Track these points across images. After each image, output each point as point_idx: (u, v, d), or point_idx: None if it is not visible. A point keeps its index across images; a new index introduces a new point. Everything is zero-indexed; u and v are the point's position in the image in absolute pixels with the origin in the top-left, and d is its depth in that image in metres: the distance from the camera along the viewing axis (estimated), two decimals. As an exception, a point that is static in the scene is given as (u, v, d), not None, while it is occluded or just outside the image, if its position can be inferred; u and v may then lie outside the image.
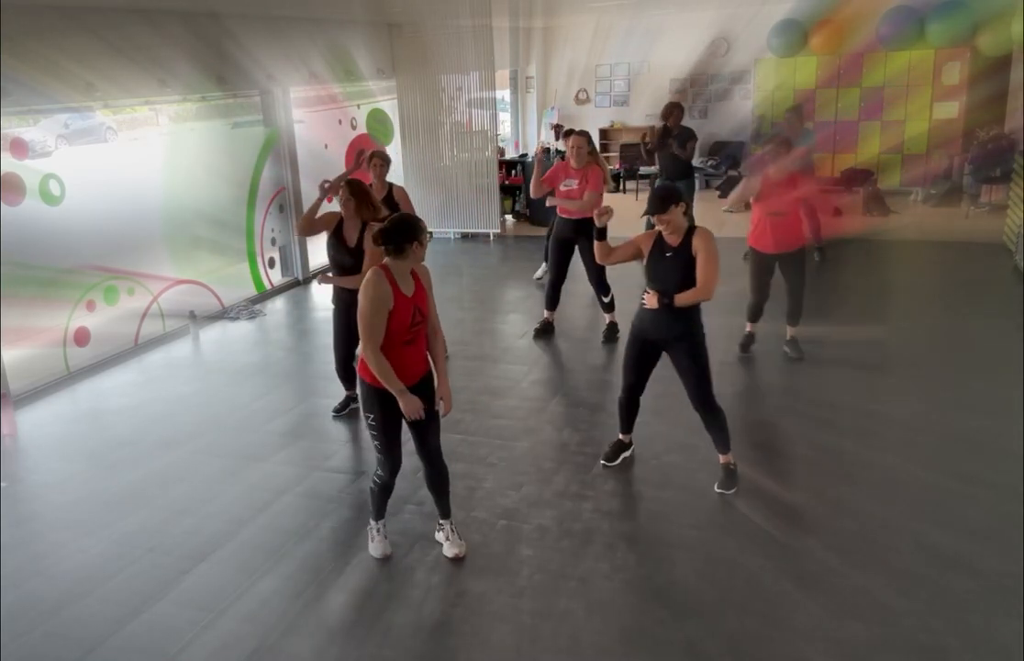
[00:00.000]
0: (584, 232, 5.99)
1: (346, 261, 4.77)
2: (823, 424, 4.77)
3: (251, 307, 7.91)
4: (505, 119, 13.56)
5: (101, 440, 5.20)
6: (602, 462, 4.41)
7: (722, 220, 8.59)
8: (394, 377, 3.25)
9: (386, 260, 3.26)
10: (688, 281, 3.80)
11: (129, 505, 4.31)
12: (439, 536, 3.76)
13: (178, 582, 3.61)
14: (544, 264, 8.06)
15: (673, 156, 8.08)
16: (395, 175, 10.38)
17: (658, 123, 8.32)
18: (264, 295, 8.36)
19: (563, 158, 6.41)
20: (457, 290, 8.35)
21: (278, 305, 8.17)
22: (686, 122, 8.23)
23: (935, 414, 4.78)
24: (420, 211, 10.56)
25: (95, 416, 5.64)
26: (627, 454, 4.47)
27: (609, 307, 6.37)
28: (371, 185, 5.49)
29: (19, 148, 5.79)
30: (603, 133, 13.30)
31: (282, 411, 5.45)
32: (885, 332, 6.18)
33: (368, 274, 3.25)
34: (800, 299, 5.62)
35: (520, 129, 13.67)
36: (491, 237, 10.50)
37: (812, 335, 5.84)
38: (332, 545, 3.84)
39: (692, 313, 3.90)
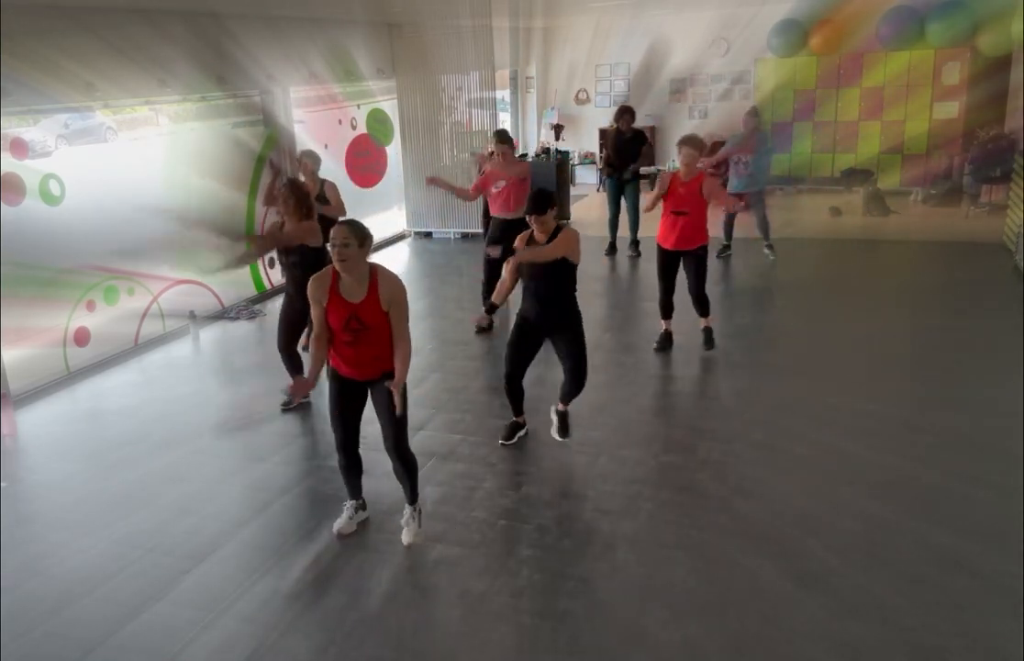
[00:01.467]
0: (516, 231, 6.30)
1: (291, 259, 5.17)
2: (823, 424, 4.77)
3: (251, 307, 7.90)
4: (505, 119, 13.53)
5: (101, 440, 5.20)
6: (501, 441, 4.71)
7: (720, 220, 8.59)
8: (313, 362, 3.57)
9: (336, 265, 3.41)
10: (556, 275, 4.25)
11: (129, 505, 4.31)
12: (402, 520, 3.87)
13: (178, 582, 3.61)
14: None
15: (627, 157, 8.39)
16: (395, 175, 10.49)
17: (611, 126, 8.68)
18: (264, 295, 8.36)
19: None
20: (457, 290, 8.34)
21: (278, 305, 8.14)
22: (686, 122, 8.36)
23: (935, 414, 4.78)
24: (420, 210, 10.65)
25: (95, 416, 5.64)
26: (522, 433, 4.77)
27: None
28: (304, 182, 5.79)
29: (19, 148, 5.79)
30: (603, 133, 13.27)
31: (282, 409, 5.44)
32: (885, 332, 6.18)
33: (315, 274, 3.55)
34: (703, 293, 5.87)
35: (520, 129, 13.66)
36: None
37: (812, 334, 5.84)
38: (332, 545, 3.84)
39: (572, 303, 4.41)
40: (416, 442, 4.80)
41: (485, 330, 6.47)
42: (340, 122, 9.49)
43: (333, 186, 6.29)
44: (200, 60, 7.20)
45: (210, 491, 4.43)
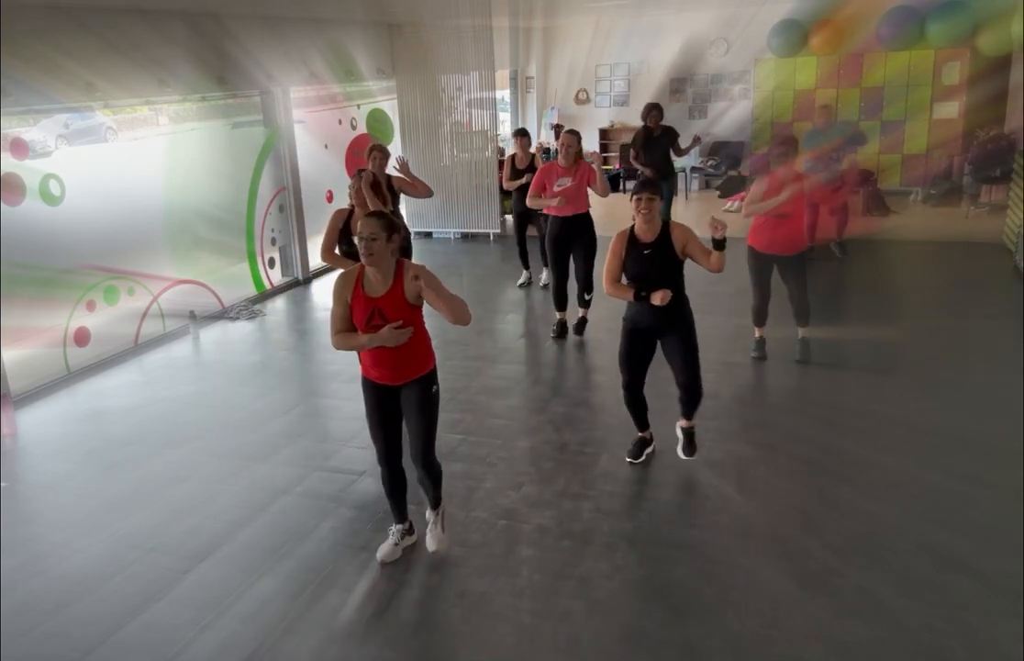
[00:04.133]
0: (579, 229, 6.22)
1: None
2: (823, 424, 4.77)
3: (251, 307, 7.91)
4: (505, 119, 13.55)
5: (101, 440, 5.20)
6: (628, 459, 4.41)
7: (722, 220, 8.58)
8: (352, 339, 3.40)
9: (363, 258, 3.32)
10: (672, 272, 3.97)
11: (129, 505, 4.32)
12: (427, 528, 3.75)
13: (178, 582, 3.61)
14: (525, 271, 8.13)
15: (662, 155, 8.32)
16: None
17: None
18: (264, 295, 8.36)
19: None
20: (457, 290, 8.28)
21: (278, 305, 8.17)
22: (685, 122, 8.36)
23: (935, 414, 4.78)
24: (421, 211, 10.64)
25: (95, 416, 5.64)
26: (650, 450, 4.47)
27: (589, 304, 6.48)
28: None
29: (19, 148, 5.79)
30: (603, 133, 13.30)
31: (282, 411, 5.45)
32: (885, 332, 6.18)
33: (343, 271, 3.47)
34: (805, 302, 5.56)
35: (520, 129, 13.65)
36: (491, 237, 10.50)
37: (811, 335, 5.83)
38: (332, 545, 3.84)
39: (686, 302, 4.09)
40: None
41: (561, 335, 6.47)
42: (340, 122, 9.49)
43: (400, 178, 6.16)
44: (200, 60, 7.21)
45: (210, 491, 4.43)
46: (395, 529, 3.74)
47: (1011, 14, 9.58)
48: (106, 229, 6.56)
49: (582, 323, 6.51)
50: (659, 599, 3.33)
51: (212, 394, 5.93)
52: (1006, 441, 4.35)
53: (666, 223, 3.99)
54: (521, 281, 8.16)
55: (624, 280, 4.08)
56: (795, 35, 11.22)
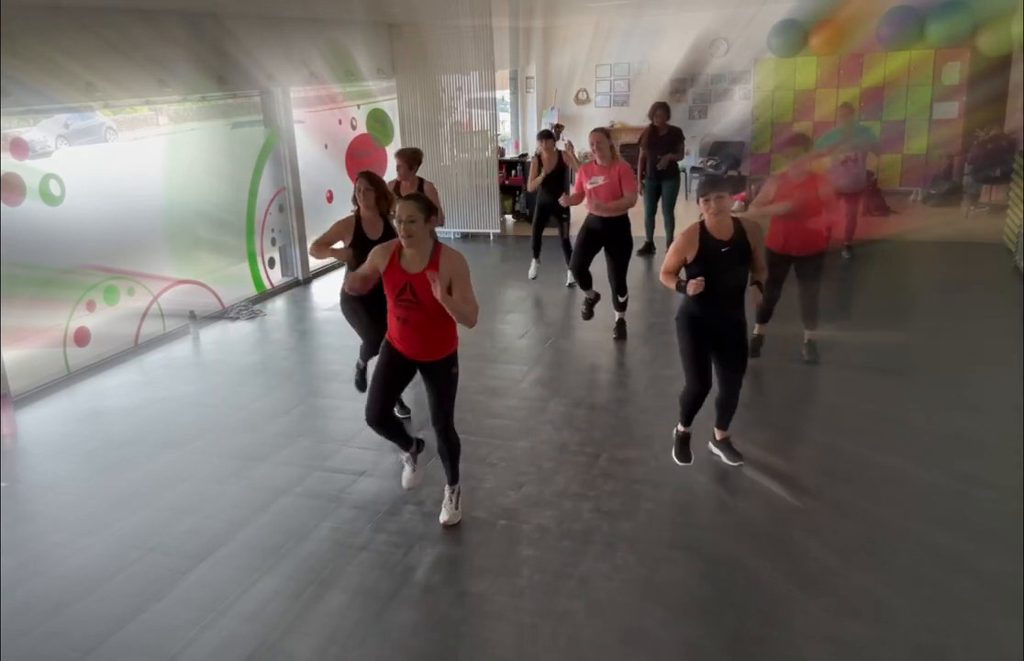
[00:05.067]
0: (615, 232, 6.11)
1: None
2: (823, 424, 4.78)
3: (251, 307, 7.90)
4: (505, 119, 13.55)
5: (101, 440, 5.20)
6: (680, 462, 4.28)
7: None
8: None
9: (403, 240, 3.49)
10: (743, 273, 3.90)
11: (129, 505, 4.31)
12: (443, 503, 3.98)
13: (178, 582, 3.61)
14: (535, 261, 8.14)
15: (664, 155, 8.31)
16: (395, 174, 10.46)
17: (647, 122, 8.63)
18: (264, 295, 8.36)
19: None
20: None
21: (278, 305, 8.17)
22: (686, 122, 8.35)
23: (935, 414, 4.78)
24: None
25: (95, 416, 5.64)
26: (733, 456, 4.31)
27: (624, 306, 6.44)
28: (399, 183, 5.67)
29: (19, 148, 5.79)
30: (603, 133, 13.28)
31: (282, 411, 5.45)
32: (885, 332, 6.18)
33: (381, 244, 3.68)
34: (815, 305, 5.51)
35: (520, 129, 13.66)
36: (491, 237, 10.50)
37: (812, 336, 5.83)
38: (332, 545, 3.83)
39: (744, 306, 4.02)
40: (416, 442, 4.81)
41: (591, 310, 6.51)
42: (340, 122, 9.49)
43: (432, 187, 5.76)
44: (200, 60, 7.20)
45: (210, 491, 4.43)
46: (406, 455, 4.04)
47: (1011, 14, 9.59)
48: (106, 229, 6.56)
49: (621, 326, 6.42)
50: (659, 599, 3.33)
51: (212, 394, 5.92)
52: (1006, 441, 4.35)
53: (738, 220, 3.89)
54: (532, 273, 8.17)
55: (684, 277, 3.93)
56: (795, 35, 11.22)
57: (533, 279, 8.17)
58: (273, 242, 8.59)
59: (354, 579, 3.57)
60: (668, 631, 3.14)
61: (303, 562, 3.72)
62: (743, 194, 11.36)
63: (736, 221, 3.87)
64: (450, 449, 3.85)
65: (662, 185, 8.68)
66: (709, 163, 12.45)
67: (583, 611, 3.27)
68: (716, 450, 4.33)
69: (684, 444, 4.29)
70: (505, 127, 13.56)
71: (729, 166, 12.09)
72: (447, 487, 3.97)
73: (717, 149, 12.44)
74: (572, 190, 6.44)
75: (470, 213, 10.44)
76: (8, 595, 3.59)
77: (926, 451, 4.36)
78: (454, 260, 3.53)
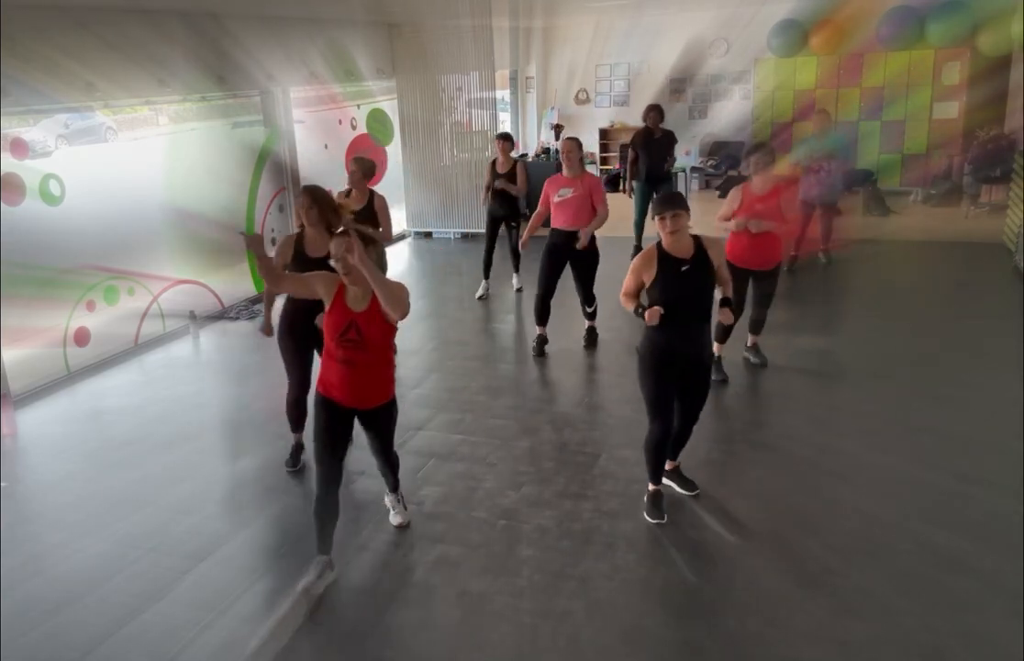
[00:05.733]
0: (581, 248, 5.80)
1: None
2: (822, 424, 4.78)
3: (251, 307, 7.90)
4: (505, 119, 13.54)
5: (101, 440, 5.20)
6: (653, 521, 3.87)
7: (719, 227, 8.56)
8: (272, 277, 3.57)
9: (342, 277, 3.30)
10: (705, 294, 3.64)
11: (129, 505, 4.31)
12: (390, 511, 3.98)
13: (178, 582, 3.61)
14: (485, 281, 7.77)
15: (661, 156, 8.28)
16: (395, 175, 10.48)
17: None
18: (264, 295, 8.34)
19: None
20: (457, 290, 8.34)
21: (278, 305, 8.14)
22: (686, 122, 8.31)
23: (935, 414, 4.78)
24: (421, 211, 10.65)
25: (95, 416, 5.64)
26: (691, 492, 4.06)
27: (594, 315, 6.28)
28: (350, 193, 5.44)
29: (19, 148, 5.79)
30: (603, 133, 13.30)
31: (282, 411, 5.43)
32: (885, 332, 6.18)
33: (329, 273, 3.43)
34: (765, 314, 5.46)
35: (520, 129, 13.66)
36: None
37: (811, 334, 5.84)
38: (332, 545, 3.83)
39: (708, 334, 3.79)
40: (416, 442, 4.82)
41: (541, 351, 6.13)
42: (340, 122, 9.49)
43: (383, 201, 5.56)
44: (200, 60, 7.20)
45: (210, 491, 4.43)
46: (319, 560, 3.48)
47: (1011, 14, 9.59)
48: (106, 229, 6.56)
49: (591, 334, 6.28)
50: (659, 599, 3.33)
51: (212, 394, 5.92)
52: (1006, 441, 4.35)
53: (698, 238, 3.63)
54: (480, 293, 7.77)
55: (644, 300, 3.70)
56: (795, 35, 11.23)
57: (480, 299, 7.72)
58: (273, 242, 8.58)
59: (354, 579, 3.57)
60: (668, 631, 3.14)
61: (303, 562, 3.71)
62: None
63: (695, 238, 3.63)
64: (392, 467, 3.81)
65: (655, 188, 8.67)
66: (709, 163, 12.47)
67: (583, 611, 3.27)
68: (668, 481, 4.10)
69: (655, 502, 3.91)
70: (505, 127, 13.56)
71: (729, 166, 12.10)
72: (390, 495, 3.93)
73: (717, 149, 12.45)
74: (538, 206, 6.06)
75: (470, 213, 10.44)
76: (8, 595, 3.59)
77: (926, 451, 4.36)
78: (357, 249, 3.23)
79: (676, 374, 3.71)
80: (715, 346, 5.37)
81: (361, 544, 3.81)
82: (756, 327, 5.59)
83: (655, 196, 8.34)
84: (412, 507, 4.10)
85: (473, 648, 3.12)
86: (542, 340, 6.21)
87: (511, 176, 7.43)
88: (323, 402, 3.46)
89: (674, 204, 3.56)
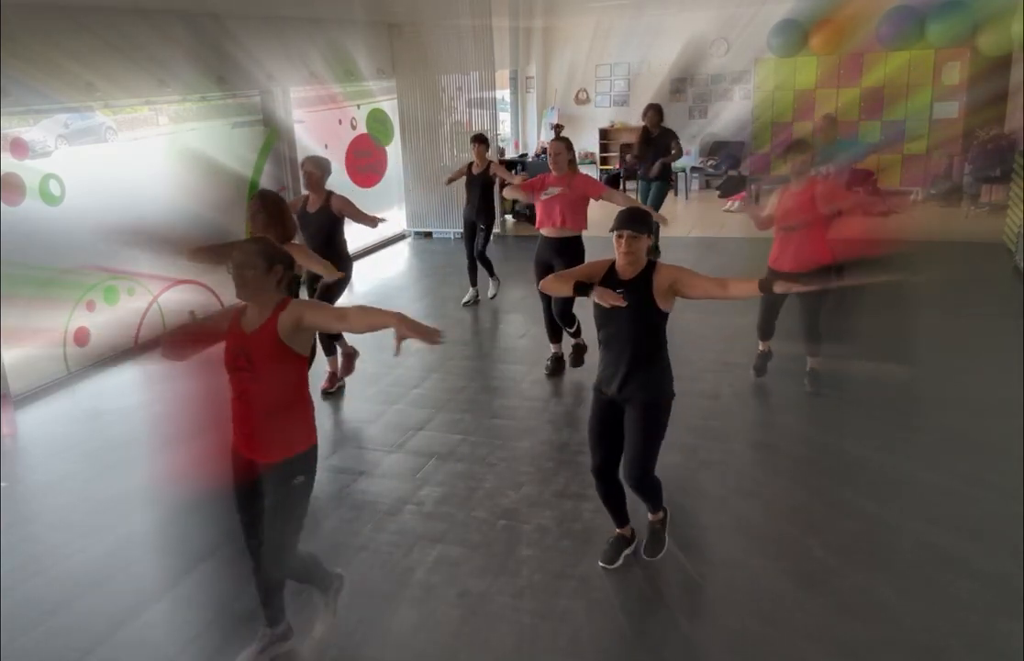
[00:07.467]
0: (564, 253, 5.26)
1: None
2: (823, 424, 4.77)
3: (251, 307, 7.89)
4: (505, 119, 13.55)
5: (101, 440, 5.20)
6: (600, 563, 3.53)
7: (722, 220, 8.59)
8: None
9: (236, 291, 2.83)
10: (640, 322, 3.18)
11: (129, 505, 4.31)
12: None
13: (178, 582, 3.61)
14: (472, 289, 7.65)
15: (659, 156, 8.30)
16: (395, 175, 10.49)
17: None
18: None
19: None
20: (457, 290, 8.33)
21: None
22: (686, 122, 8.33)
23: (935, 414, 4.78)
24: (421, 210, 10.65)
25: (95, 416, 5.64)
26: (629, 551, 3.59)
27: (578, 332, 5.76)
28: (307, 199, 5.37)
29: (19, 148, 5.79)
30: (603, 133, 13.30)
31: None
32: (884, 333, 6.17)
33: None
34: (814, 322, 5.09)
35: (520, 129, 13.67)
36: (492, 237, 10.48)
37: (814, 364, 5.80)
38: (332, 545, 3.83)
39: (657, 367, 3.28)
40: (416, 442, 4.82)
41: (556, 371, 5.74)
42: (340, 122, 9.49)
43: (344, 199, 5.38)
44: (200, 60, 7.20)
45: (210, 491, 4.42)
46: (264, 633, 3.01)
47: (1011, 14, 9.58)
48: (106, 229, 6.55)
49: (578, 351, 5.76)
50: (659, 599, 3.33)
51: (212, 394, 5.91)
52: (1006, 441, 4.35)
53: (652, 263, 3.22)
54: (466, 299, 7.61)
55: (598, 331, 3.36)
56: (795, 35, 11.22)
57: (465, 305, 7.58)
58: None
59: (354, 579, 3.57)
60: (668, 631, 3.14)
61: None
62: (743, 194, 11.37)
63: (651, 264, 3.21)
64: (293, 572, 2.99)
65: (651, 187, 8.70)
66: (709, 163, 12.47)
67: (583, 611, 3.27)
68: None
69: (612, 542, 3.58)
70: (505, 127, 13.56)
71: (729, 166, 12.10)
72: (320, 595, 3.15)
73: (717, 149, 12.45)
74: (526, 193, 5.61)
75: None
76: (8, 595, 3.58)
77: (926, 451, 4.35)
78: (301, 305, 2.80)
79: (609, 405, 3.37)
80: (760, 344, 5.35)
81: (361, 544, 3.81)
82: (809, 344, 5.16)
83: (651, 192, 8.12)
84: (412, 507, 4.10)
85: (473, 648, 3.12)
86: (557, 359, 5.79)
87: (485, 176, 7.44)
88: (232, 455, 2.90)
89: (635, 222, 3.15)
